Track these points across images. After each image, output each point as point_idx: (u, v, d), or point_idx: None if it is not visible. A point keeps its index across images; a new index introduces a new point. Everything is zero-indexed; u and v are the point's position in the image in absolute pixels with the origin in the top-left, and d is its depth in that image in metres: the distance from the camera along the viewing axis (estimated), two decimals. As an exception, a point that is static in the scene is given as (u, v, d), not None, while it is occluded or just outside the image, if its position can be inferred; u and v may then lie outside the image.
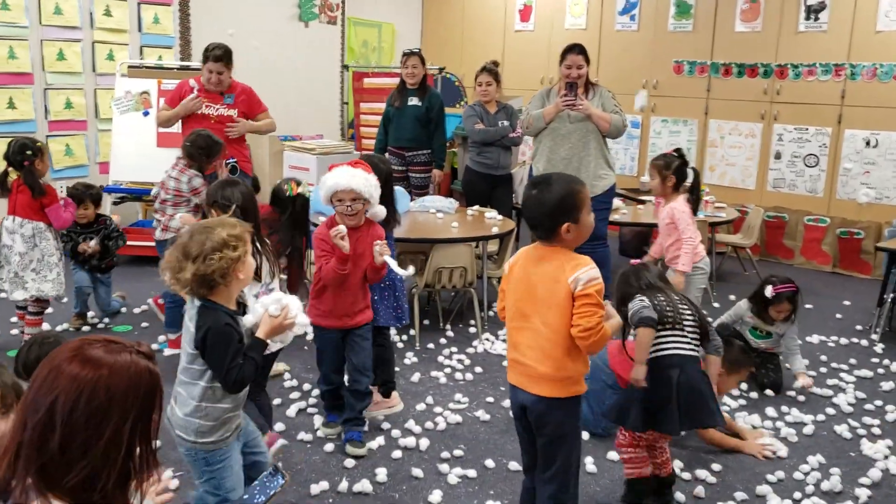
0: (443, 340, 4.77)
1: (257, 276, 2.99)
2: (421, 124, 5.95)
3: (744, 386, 4.10)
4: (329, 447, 3.39)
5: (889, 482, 3.29)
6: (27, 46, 6.20)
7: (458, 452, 3.39)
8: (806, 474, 3.29)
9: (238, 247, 2.19)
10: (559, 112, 4.87)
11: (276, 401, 3.81)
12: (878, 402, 4.06)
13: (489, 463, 3.31)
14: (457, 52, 9.10)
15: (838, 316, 5.59)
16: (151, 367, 1.38)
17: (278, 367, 4.16)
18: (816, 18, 6.78)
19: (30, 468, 1.30)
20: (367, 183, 3.20)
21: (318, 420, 3.63)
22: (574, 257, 2.36)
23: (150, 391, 1.37)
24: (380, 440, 3.46)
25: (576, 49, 4.89)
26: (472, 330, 4.94)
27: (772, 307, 4.08)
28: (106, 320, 4.89)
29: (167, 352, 4.37)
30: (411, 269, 3.33)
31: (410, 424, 3.63)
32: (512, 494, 3.02)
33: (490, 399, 3.95)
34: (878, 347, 4.95)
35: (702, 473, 3.25)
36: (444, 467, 3.25)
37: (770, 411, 3.90)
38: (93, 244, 4.68)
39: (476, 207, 5.59)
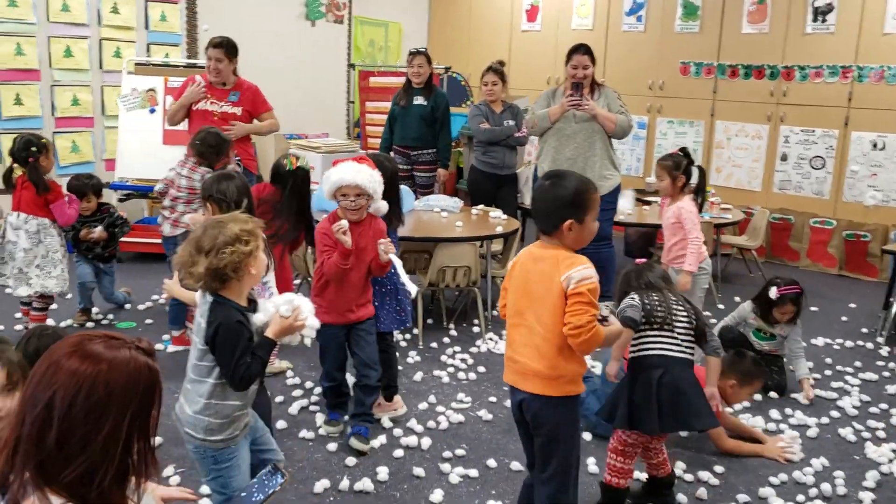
0: (446, 340, 4.76)
1: None
2: (426, 123, 5.95)
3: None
4: (331, 446, 3.39)
5: (893, 486, 3.27)
6: (35, 43, 6.22)
7: (459, 452, 3.39)
8: (809, 477, 3.27)
9: (250, 241, 2.21)
10: (565, 112, 4.87)
11: (279, 398, 3.82)
12: (884, 406, 4.04)
13: (491, 463, 3.30)
14: (463, 51, 9.10)
15: (844, 318, 5.57)
16: (151, 364, 1.38)
17: (281, 364, 4.17)
18: (824, 20, 6.76)
19: (28, 463, 1.29)
20: (371, 179, 3.23)
21: (319, 418, 3.63)
22: (570, 256, 2.36)
23: (149, 387, 1.36)
24: (381, 439, 3.46)
25: (582, 49, 4.88)
26: (476, 329, 4.94)
27: (776, 309, 4.07)
28: (110, 317, 4.90)
29: (170, 348, 4.38)
30: (415, 290, 3.34)
31: (412, 423, 3.62)
32: (514, 494, 3.01)
33: (493, 399, 3.95)
34: (884, 350, 4.93)
35: (704, 475, 3.24)
36: (445, 467, 3.25)
37: (774, 413, 3.88)
38: (99, 230, 4.70)
39: (481, 207, 5.59)
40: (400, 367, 4.02)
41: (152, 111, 6.31)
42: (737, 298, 5.63)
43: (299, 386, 4.00)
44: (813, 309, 5.57)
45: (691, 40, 7.52)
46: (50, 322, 4.54)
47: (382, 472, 3.16)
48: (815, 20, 6.80)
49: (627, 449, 2.93)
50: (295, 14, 8.19)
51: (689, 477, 3.24)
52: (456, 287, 4.82)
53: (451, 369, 4.31)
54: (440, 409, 3.81)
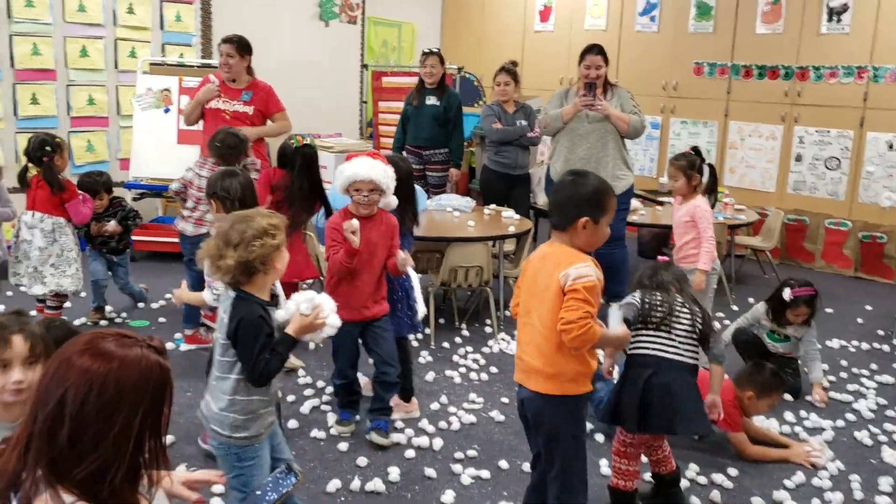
0: (458, 340, 4.76)
1: None
2: (438, 123, 5.96)
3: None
4: (342, 445, 3.39)
5: (909, 490, 3.24)
6: (51, 43, 6.26)
7: (471, 453, 3.38)
8: (825, 481, 3.25)
9: (277, 235, 2.24)
10: (577, 112, 4.85)
11: (290, 397, 3.82)
12: (899, 409, 4.01)
13: (503, 464, 3.29)
14: (476, 51, 9.09)
15: (859, 321, 5.53)
16: (162, 362, 1.38)
17: (295, 361, 4.17)
18: (839, 20, 6.70)
19: (40, 460, 1.30)
20: (385, 174, 3.27)
21: (331, 418, 3.63)
22: (573, 254, 2.37)
23: (160, 385, 1.36)
24: (393, 439, 3.45)
25: (595, 49, 4.87)
26: (488, 329, 4.93)
27: (789, 310, 4.04)
28: (124, 315, 4.92)
29: (183, 347, 4.39)
30: (422, 313, 3.40)
31: (424, 424, 3.62)
32: (525, 495, 3.01)
33: (505, 399, 3.94)
34: (900, 353, 4.89)
35: (718, 478, 3.22)
36: (457, 468, 3.24)
37: (789, 416, 3.86)
38: (113, 224, 4.73)
39: (493, 207, 5.58)
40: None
41: (167, 111, 6.34)
42: (751, 300, 5.60)
43: (311, 385, 4.01)
44: (828, 311, 5.53)
45: (705, 40, 7.48)
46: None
47: (394, 473, 3.15)
48: (829, 20, 6.75)
49: (629, 450, 2.91)
50: (309, 15, 8.20)
51: (702, 479, 3.22)
52: (468, 287, 4.81)
53: (462, 370, 4.30)
54: (452, 409, 3.80)
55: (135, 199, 6.26)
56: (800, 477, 3.26)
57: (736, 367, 4.15)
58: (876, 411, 3.97)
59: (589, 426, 3.52)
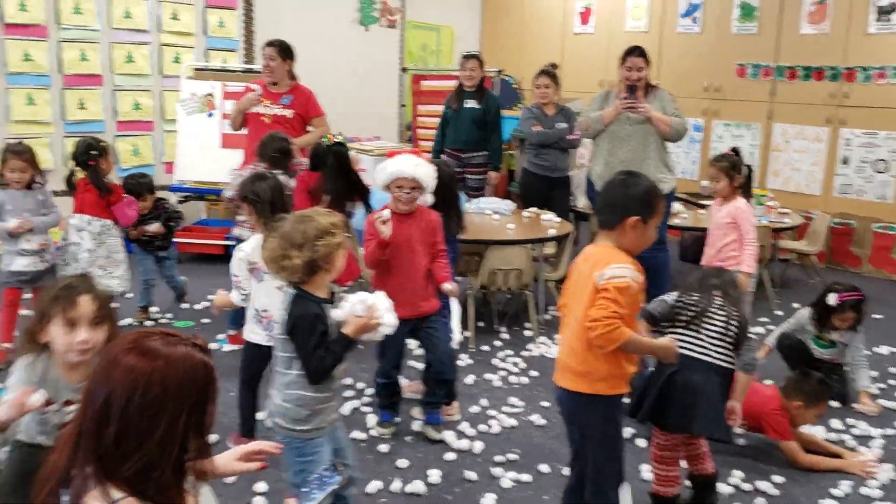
0: (497, 343, 4.75)
1: None
2: (477, 126, 5.96)
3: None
4: (383, 447, 3.40)
5: (962, 501, 3.15)
6: (97, 49, 6.40)
7: (512, 456, 3.37)
8: (875, 490, 3.18)
9: (337, 233, 2.31)
10: (618, 115, 4.82)
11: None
12: (951, 417, 3.90)
13: (544, 468, 3.28)
14: (515, 54, 9.07)
15: (909, 327, 5.40)
16: (207, 360, 1.39)
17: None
18: (888, 19, 6.56)
19: (88, 458, 1.32)
20: (428, 173, 3.34)
21: (371, 419, 3.64)
22: (613, 255, 2.36)
23: (205, 383, 1.37)
24: (433, 442, 3.46)
25: (636, 51, 4.83)
26: (528, 333, 4.91)
27: (835, 315, 3.96)
28: (169, 315, 5.00)
29: (226, 347, 4.45)
30: (458, 340, 3.41)
31: (464, 427, 3.61)
32: (566, 500, 2.99)
33: (545, 403, 3.92)
34: (951, 360, 4.76)
35: (763, 485, 3.17)
36: (497, 471, 3.24)
37: (836, 423, 3.78)
38: (156, 225, 4.84)
39: (533, 209, 5.56)
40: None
41: (210, 115, 6.44)
42: (795, 305, 5.49)
43: (351, 386, 4.03)
44: (876, 317, 5.41)
45: (748, 41, 7.37)
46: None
47: (434, 475, 3.16)
48: (878, 20, 6.61)
49: (665, 454, 2.87)
50: (349, 19, 8.27)
51: (747, 486, 3.17)
52: (507, 290, 4.80)
53: (502, 373, 4.29)
54: (492, 412, 3.79)
55: (179, 203, 6.36)
56: (848, 485, 3.19)
57: (777, 369, 4.11)
58: (927, 420, 3.88)
59: (630, 431, 3.49)
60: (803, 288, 6.26)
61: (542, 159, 5.82)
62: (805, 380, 3.43)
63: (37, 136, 6.06)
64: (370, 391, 3.89)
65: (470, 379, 4.17)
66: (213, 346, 4.36)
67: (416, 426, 3.61)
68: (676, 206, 5.68)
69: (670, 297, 2.95)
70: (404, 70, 8.70)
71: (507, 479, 3.17)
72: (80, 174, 4.42)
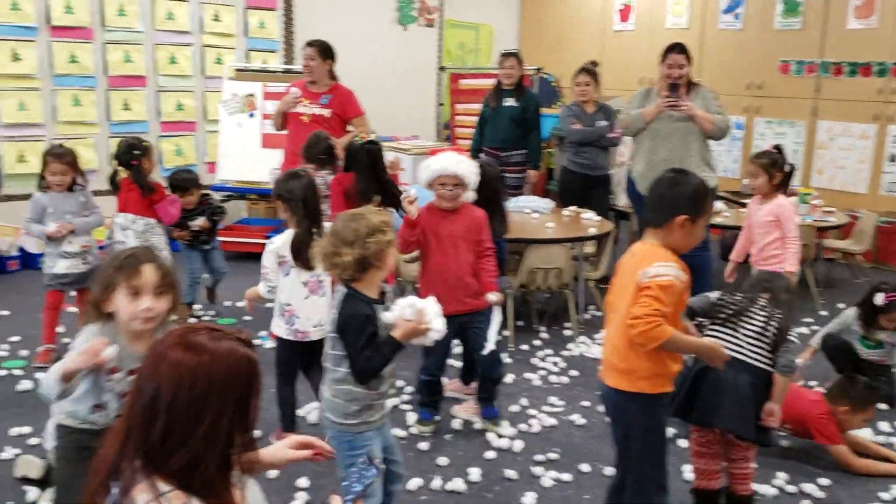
0: (537, 342, 4.73)
1: (308, 264, 3.10)
2: (516, 125, 5.94)
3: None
4: (423, 445, 3.41)
5: None
6: (141, 51, 6.52)
7: (552, 455, 3.36)
8: (923, 494, 3.11)
9: (387, 231, 2.34)
10: (660, 112, 4.77)
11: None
12: None
13: (584, 467, 3.27)
14: (554, 52, 9.03)
15: (959, 328, 5.25)
16: (251, 355, 1.40)
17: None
18: (938, 13, 6.40)
19: (137, 451, 1.34)
20: (470, 170, 3.37)
21: (411, 417, 3.66)
22: (660, 254, 2.34)
23: (249, 378, 1.39)
24: (473, 440, 3.46)
25: (677, 48, 4.78)
26: (567, 332, 4.89)
27: (883, 316, 3.88)
28: (211, 313, 5.07)
29: (268, 344, 4.49)
30: (489, 350, 3.42)
31: (504, 426, 3.61)
32: (607, 500, 2.97)
33: (586, 403, 3.90)
34: None
35: (808, 487, 3.12)
36: (538, 470, 3.23)
37: (883, 426, 3.70)
38: (201, 220, 4.92)
39: (572, 208, 5.53)
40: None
41: (251, 116, 6.52)
42: (840, 305, 5.39)
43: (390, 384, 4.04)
44: (925, 317, 5.28)
45: (792, 37, 7.24)
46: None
47: (474, 473, 3.16)
48: (928, 14, 6.45)
49: (702, 449, 2.85)
50: (388, 19, 8.31)
51: (791, 489, 3.12)
52: (547, 289, 4.78)
53: (542, 372, 4.28)
54: (532, 412, 3.79)
55: (222, 202, 6.45)
56: (896, 489, 3.13)
57: (823, 370, 4.04)
58: (979, 423, 3.78)
59: (672, 431, 3.45)
60: (849, 288, 6.14)
61: (582, 157, 5.79)
62: (851, 384, 3.37)
63: (82, 137, 6.20)
64: (410, 389, 3.91)
65: (509, 378, 4.16)
66: (255, 342, 4.41)
67: (456, 424, 3.62)
68: (718, 205, 5.60)
69: (714, 294, 2.94)
70: (442, 69, 8.71)
71: (548, 478, 3.16)
72: (123, 174, 4.50)
